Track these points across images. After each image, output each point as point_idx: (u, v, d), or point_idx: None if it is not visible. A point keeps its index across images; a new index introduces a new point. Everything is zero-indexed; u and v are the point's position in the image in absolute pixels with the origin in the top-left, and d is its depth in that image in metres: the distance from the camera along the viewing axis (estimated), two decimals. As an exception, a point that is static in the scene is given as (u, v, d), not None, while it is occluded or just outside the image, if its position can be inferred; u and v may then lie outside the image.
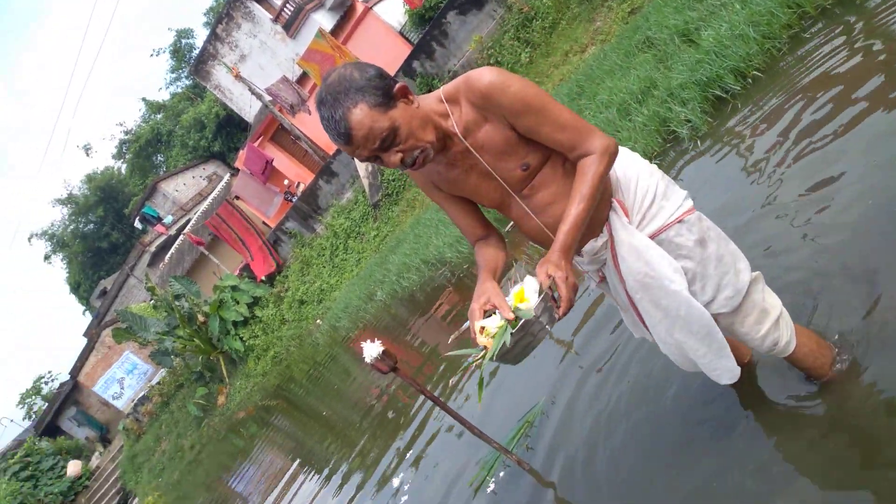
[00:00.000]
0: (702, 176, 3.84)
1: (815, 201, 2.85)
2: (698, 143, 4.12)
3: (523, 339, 1.61)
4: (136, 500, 16.07)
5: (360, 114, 1.58)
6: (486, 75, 1.65)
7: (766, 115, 3.72)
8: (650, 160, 4.39)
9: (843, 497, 1.85)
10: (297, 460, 7.44)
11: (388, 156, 1.66)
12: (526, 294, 1.63)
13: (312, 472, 6.55)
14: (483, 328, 1.66)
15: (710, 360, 1.86)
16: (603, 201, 1.78)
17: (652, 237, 1.79)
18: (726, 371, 1.86)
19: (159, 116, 37.21)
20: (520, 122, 1.67)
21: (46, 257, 40.43)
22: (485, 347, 1.63)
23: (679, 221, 1.79)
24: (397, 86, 1.63)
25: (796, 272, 2.59)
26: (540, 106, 1.64)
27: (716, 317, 1.87)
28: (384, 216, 12.39)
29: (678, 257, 1.79)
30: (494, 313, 1.66)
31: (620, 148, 1.83)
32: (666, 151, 4.41)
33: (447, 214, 2.00)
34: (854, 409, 1.98)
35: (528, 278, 1.66)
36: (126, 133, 38.97)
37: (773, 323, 1.88)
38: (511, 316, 1.61)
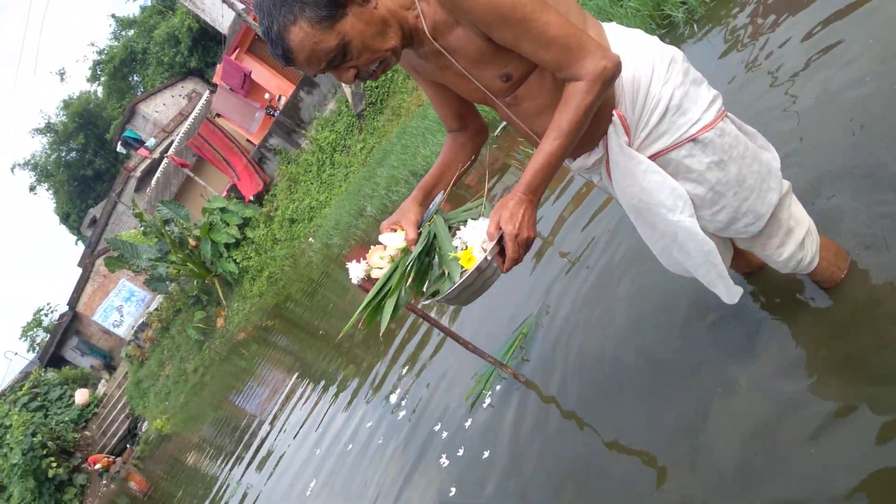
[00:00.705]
0: (700, 63, 3.59)
1: (824, 88, 2.65)
2: (695, 27, 3.86)
3: (475, 282, 1.43)
4: (146, 423, 16.55)
5: (301, 33, 1.32)
6: None
7: (769, -9, 3.45)
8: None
9: (846, 398, 1.77)
10: (299, 375, 7.55)
11: (339, 73, 1.43)
12: (473, 248, 1.43)
13: (314, 386, 6.64)
14: (385, 246, 1.55)
15: (710, 280, 1.70)
16: (603, 112, 1.51)
17: (657, 155, 1.56)
18: (725, 293, 1.71)
19: (131, 33, 35.84)
20: (495, 35, 1.39)
21: (32, 188, 40.02)
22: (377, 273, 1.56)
23: (692, 140, 1.53)
24: None
25: (805, 167, 2.42)
26: (519, 18, 1.34)
27: (731, 239, 1.73)
28: (369, 127, 12.06)
29: (686, 180, 1.57)
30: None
31: (641, 37, 1.55)
32: (661, 38, 4.14)
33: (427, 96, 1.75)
34: (863, 311, 1.87)
35: (480, 222, 1.47)
36: (99, 53, 37.66)
37: (798, 244, 1.71)
38: (412, 242, 1.52)
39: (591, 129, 1.50)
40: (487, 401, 3.29)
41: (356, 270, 2.79)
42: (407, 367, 4.67)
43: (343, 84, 13.22)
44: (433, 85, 1.69)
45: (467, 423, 3.30)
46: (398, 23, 1.41)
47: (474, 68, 1.48)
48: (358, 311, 1.55)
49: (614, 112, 1.52)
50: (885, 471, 1.57)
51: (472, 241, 1.45)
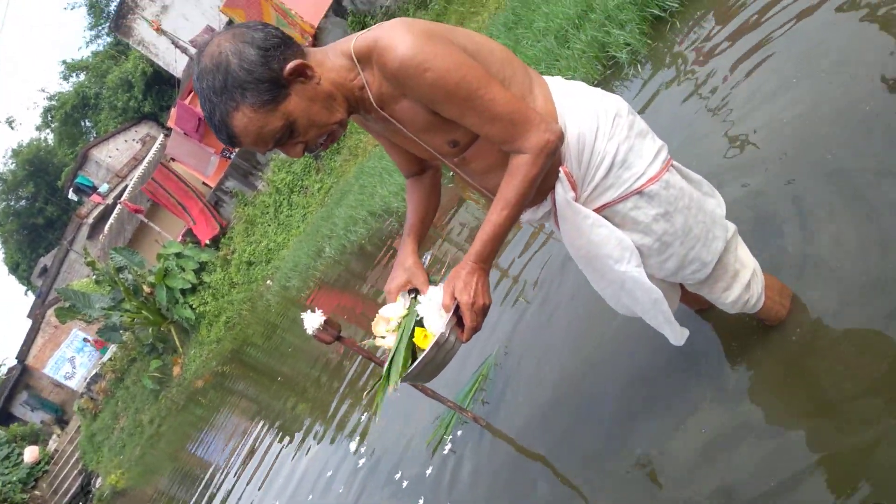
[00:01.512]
0: (645, 103, 3.68)
1: (767, 117, 2.72)
2: (639, 67, 3.95)
3: (437, 356, 1.44)
4: (100, 479, 15.89)
5: (244, 119, 1.32)
6: (397, 49, 1.32)
7: (707, 31, 3.56)
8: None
9: (797, 433, 1.78)
10: (259, 422, 7.37)
11: (286, 149, 1.43)
12: (427, 322, 1.46)
13: (275, 432, 6.48)
14: (388, 319, 1.52)
15: (657, 324, 1.74)
16: (550, 168, 1.54)
17: (604, 207, 1.59)
18: (672, 336, 1.75)
19: (82, 78, 35.43)
20: (440, 110, 1.41)
21: (-23, 238, 38.83)
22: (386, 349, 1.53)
23: (638, 193, 1.55)
24: (288, 67, 1.32)
25: (746, 202, 2.47)
26: (464, 96, 1.36)
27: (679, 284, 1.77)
28: (327, 167, 12.03)
29: (633, 231, 1.60)
30: (410, 295, 1.54)
31: (585, 92, 1.59)
32: (607, 79, 4.23)
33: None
34: (806, 344, 1.91)
35: (435, 292, 1.50)
36: (50, 99, 37.10)
37: (743, 287, 1.75)
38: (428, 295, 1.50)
39: (540, 183, 1.52)
40: (448, 446, 3.23)
41: (311, 321, 2.73)
42: (367, 411, 4.58)
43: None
44: (385, 139, 1.71)
45: (428, 471, 3.22)
46: (343, 94, 1.42)
47: (422, 134, 1.50)
48: (381, 389, 1.54)
49: (561, 168, 1.55)
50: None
51: (429, 314, 1.47)
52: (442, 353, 1.44)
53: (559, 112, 1.53)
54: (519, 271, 3.80)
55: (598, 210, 1.59)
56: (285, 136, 1.38)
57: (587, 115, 1.54)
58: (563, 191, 1.56)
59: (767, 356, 1.98)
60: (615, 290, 1.72)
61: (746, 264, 1.75)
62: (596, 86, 4.16)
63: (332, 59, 1.42)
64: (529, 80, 1.53)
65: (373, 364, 5.09)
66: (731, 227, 1.73)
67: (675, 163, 1.64)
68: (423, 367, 1.43)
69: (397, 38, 1.33)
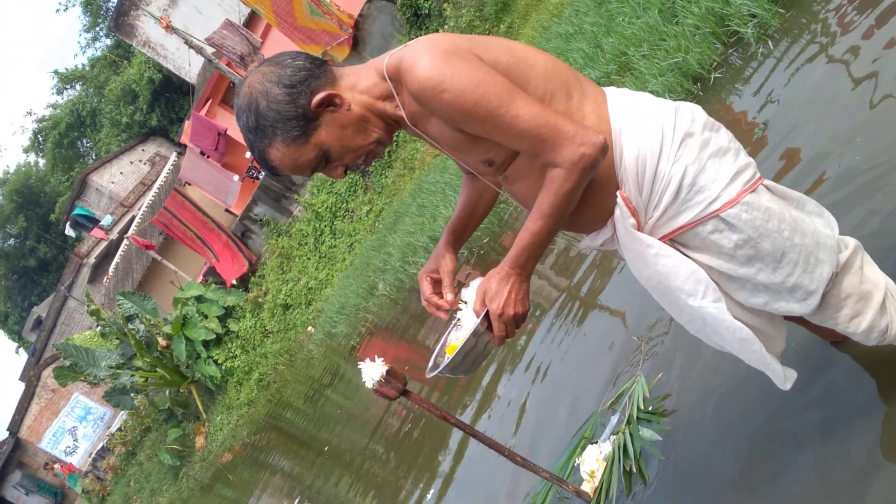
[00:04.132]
0: (778, 88, 3.71)
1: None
2: (769, 43, 3.99)
3: (474, 349, 1.76)
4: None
5: (279, 154, 1.70)
6: (416, 70, 1.61)
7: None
8: (709, 75, 4.27)
9: None
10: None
11: (328, 172, 1.80)
12: (463, 320, 1.81)
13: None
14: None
15: (755, 364, 1.82)
16: (608, 190, 1.74)
17: (681, 230, 1.74)
18: (775, 378, 1.82)
19: (77, 90, 37.22)
20: (466, 129, 1.67)
21: (-40, 286, 40.91)
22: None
23: (715, 217, 1.69)
24: (315, 100, 1.65)
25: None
26: (485, 115, 1.61)
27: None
28: (377, 185, 12.33)
29: (717, 256, 1.73)
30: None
31: (651, 106, 1.75)
32: (729, 60, 4.28)
33: None
34: None
35: (473, 288, 1.79)
36: (39, 122, 38.98)
37: (877, 310, 1.79)
38: (449, 301, 1.90)
39: (596, 207, 1.77)
40: (546, 527, 3.27)
41: (371, 371, 2.85)
42: (438, 488, 4.65)
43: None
44: None
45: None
46: (378, 115, 1.74)
47: (455, 153, 1.80)
48: None
49: (619, 193, 1.73)
50: None
51: (464, 313, 1.82)
52: (471, 356, 1.78)
53: (615, 130, 1.72)
54: (637, 307, 3.84)
55: (673, 234, 1.75)
56: (322, 163, 1.74)
57: (649, 133, 1.71)
58: (621, 217, 1.74)
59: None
60: (699, 325, 1.85)
61: (877, 283, 1.82)
62: (715, 68, 4.23)
63: (365, 80, 1.73)
64: (580, 94, 1.74)
65: (446, 427, 5.17)
66: (851, 242, 1.82)
67: (766, 182, 1.77)
68: (462, 357, 1.76)
69: (417, 58, 1.62)
